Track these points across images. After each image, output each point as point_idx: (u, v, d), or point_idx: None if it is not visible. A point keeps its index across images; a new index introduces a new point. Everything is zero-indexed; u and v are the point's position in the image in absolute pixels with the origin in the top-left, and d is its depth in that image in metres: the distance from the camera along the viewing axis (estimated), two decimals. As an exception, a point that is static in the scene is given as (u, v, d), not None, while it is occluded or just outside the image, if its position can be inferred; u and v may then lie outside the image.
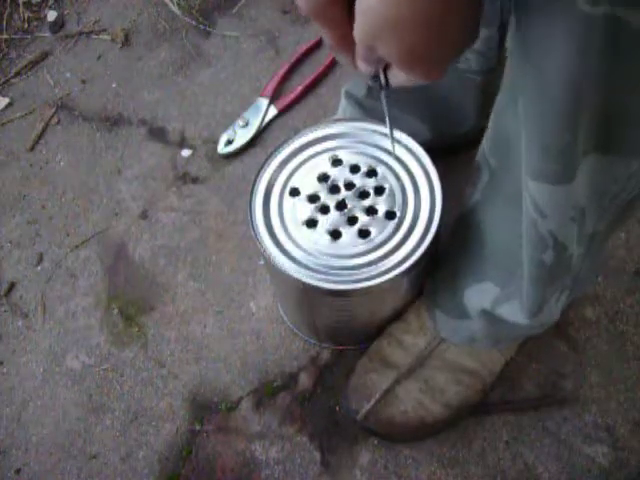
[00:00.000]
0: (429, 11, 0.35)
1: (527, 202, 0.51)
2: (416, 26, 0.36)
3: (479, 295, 0.68)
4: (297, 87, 1.04)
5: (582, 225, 0.52)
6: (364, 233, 0.64)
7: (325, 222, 0.65)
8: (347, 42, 0.42)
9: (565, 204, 0.49)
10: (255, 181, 0.67)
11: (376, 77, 0.48)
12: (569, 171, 0.46)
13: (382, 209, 0.65)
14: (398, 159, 0.67)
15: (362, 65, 0.46)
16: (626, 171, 0.47)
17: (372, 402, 0.76)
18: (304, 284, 0.62)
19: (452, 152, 0.85)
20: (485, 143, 0.59)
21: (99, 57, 1.13)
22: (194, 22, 1.14)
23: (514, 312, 0.65)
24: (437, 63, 0.41)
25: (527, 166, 0.49)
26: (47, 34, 1.16)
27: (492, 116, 0.56)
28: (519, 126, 0.49)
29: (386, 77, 0.48)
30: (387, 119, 0.60)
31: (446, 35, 0.38)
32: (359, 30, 0.39)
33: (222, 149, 1.00)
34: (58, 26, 1.16)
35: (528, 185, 0.49)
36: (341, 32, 0.42)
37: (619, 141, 0.44)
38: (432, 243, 0.63)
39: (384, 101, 0.54)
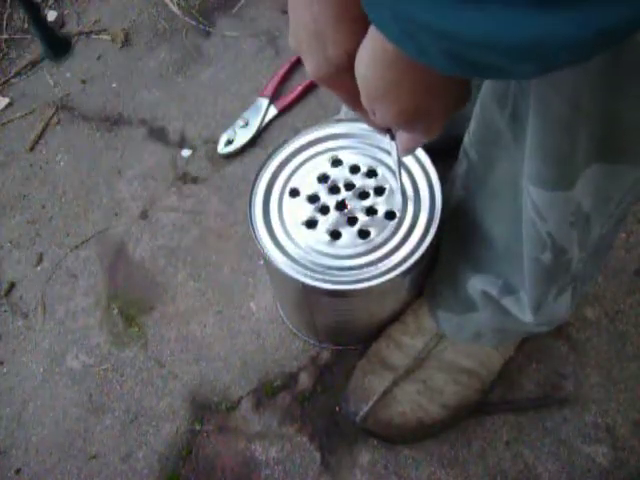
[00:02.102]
0: (415, 78, 0.36)
1: (527, 203, 0.52)
2: (404, 92, 0.38)
3: (483, 284, 0.68)
4: (297, 87, 1.04)
5: (585, 231, 0.52)
6: (364, 233, 0.64)
7: (325, 222, 0.64)
8: (359, 103, 0.43)
9: (564, 210, 0.50)
10: (255, 181, 0.67)
11: (389, 130, 0.51)
12: (568, 179, 0.46)
13: (382, 209, 0.65)
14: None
15: (374, 124, 0.47)
16: (630, 179, 0.47)
17: (370, 404, 0.76)
18: (304, 284, 0.62)
19: (452, 153, 0.85)
20: (467, 137, 0.60)
21: (99, 57, 1.13)
22: (194, 22, 1.14)
23: (520, 307, 0.65)
24: (432, 122, 0.43)
25: (527, 170, 0.49)
26: (47, 34, 1.16)
27: (477, 110, 0.56)
28: (506, 126, 0.49)
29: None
30: (397, 170, 0.62)
31: (435, 98, 0.39)
32: (361, 96, 0.41)
33: (222, 149, 1.00)
34: (58, 26, 1.16)
35: (528, 188, 0.50)
36: (352, 95, 0.43)
37: (622, 151, 0.44)
38: (432, 244, 0.63)
39: (395, 152, 0.56)
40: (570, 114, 0.41)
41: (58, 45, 0.48)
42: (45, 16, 1.15)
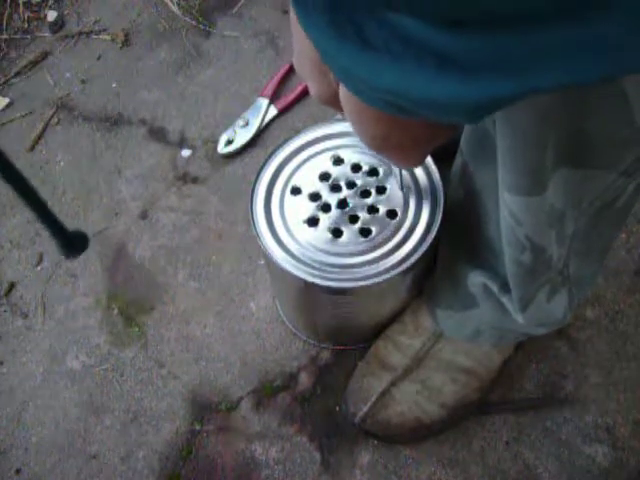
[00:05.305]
0: (375, 110, 0.36)
1: (503, 209, 0.53)
2: (369, 121, 0.38)
3: (484, 278, 0.68)
4: (297, 87, 1.04)
5: (561, 227, 0.53)
6: (365, 232, 0.64)
7: (326, 220, 0.64)
8: None
9: (539, 213, 0.50)
10: (257, 179, 0.67)
11: None
12: (540, 184, 0.47)
13: (383, 208, 0.65)
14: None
15: None
16: (601, 184, 0.48)
17: (369, 405, 0.76)
18: (305, 282, 0.62)
19: (454, 153, 0.85)
20: (463, 136, 0.60)
21: (99, 57, 1.13)
22: (194, 22, 1.14)
23: (514, 307, 0.65)
24: (407, 153, 0.42)
25: (501, 177, 0.50)
26: (47, 34, 1.16)
27: None
28: (492, 126, 0.50)
29: None
30: (400, 180, 0.63)
31: (404, 130, 0.39)
32: None
33: (222, 149, 1.00)
34: (58, 26, 1.16)
35: (504, 195, 0.51)
36: None
37: (587, 158, 0.45)
38: (433, 243, 0.63)
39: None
40: (538, 124, 0.42)
41: (73, 243, 0.47)
42: (45, 16, 1.15)
